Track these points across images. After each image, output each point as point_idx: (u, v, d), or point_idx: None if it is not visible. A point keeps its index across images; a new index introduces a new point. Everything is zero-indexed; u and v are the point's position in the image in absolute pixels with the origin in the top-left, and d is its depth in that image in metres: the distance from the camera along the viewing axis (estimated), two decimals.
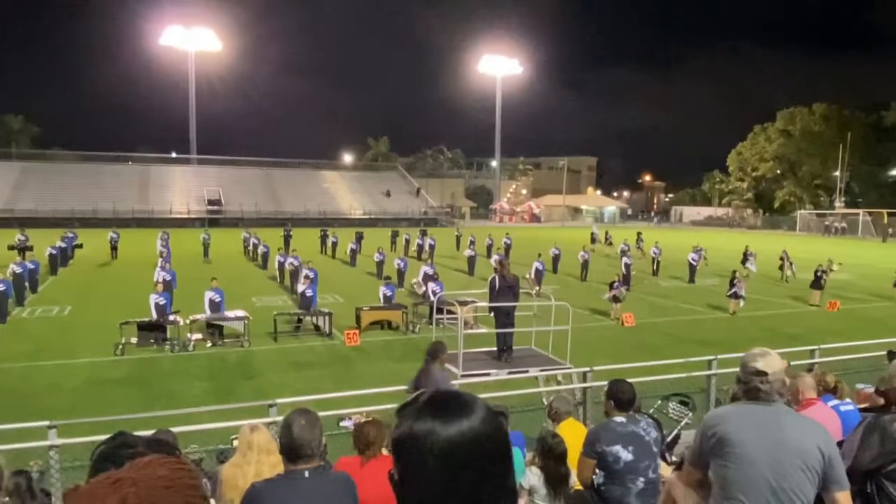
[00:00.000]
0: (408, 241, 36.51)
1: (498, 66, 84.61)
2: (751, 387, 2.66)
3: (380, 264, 26.31)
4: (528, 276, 22.71)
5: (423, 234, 37.67)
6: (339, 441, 5.80)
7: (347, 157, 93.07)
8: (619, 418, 4.28)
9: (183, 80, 76.77)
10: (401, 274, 24.26)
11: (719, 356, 9.35)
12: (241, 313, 16.22)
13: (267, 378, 13.22)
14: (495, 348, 10.25)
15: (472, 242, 31.28)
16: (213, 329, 15.83)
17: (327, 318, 16.89)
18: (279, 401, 6.05)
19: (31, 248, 27.14)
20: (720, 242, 45.95)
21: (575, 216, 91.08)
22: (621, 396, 4.36)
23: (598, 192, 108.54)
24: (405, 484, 1.17)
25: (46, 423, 5.31)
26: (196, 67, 75.54)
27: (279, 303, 20.77)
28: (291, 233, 37.50)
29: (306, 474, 2.59)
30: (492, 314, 10.46)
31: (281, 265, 25.18)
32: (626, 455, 4.11)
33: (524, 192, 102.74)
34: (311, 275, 18.16)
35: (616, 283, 19.99)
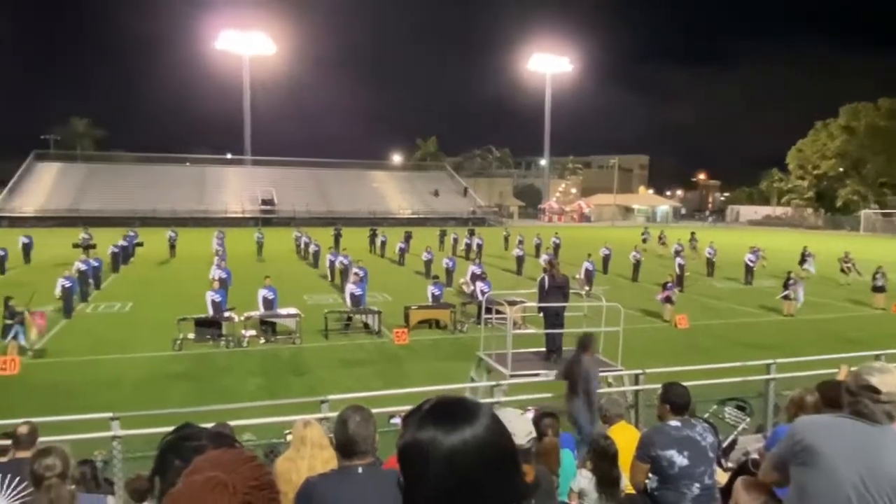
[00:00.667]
0: (456, 241, 36.56)
1: (547, 64, 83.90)
2: (858, 402, 2.46)
3: (428, 263, 26.43)
4: (577, 276, 22.45)
5: (472, 233, 37.64)
6: (387, 438, 5.85)
7: (396, 158, 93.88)
8: (674, 422, 4.18)
9: (238, 82, 78.96)
10: (449, 273, 24.31)
11: (778, 360, 9.04)
12: (293, 311, 16.54)
13: (318, 374, 13.44)
14: (544, 349, 10.16)
15: (520, 242, 31.10)
16: (267, 326, 16.19)
17: (376, 316, 17.06)
18: (331, 397, 6.14)
19: (94, 247, 28.28)
20: (779, 243, 44.41)
21: (626, 216, 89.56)
22: (676, 400, 4.25)
23: (650, 191, 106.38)
24: (410, 492, 1.16)
25: (109, 414, 5.52)
26: (250, 70, 77.57)
27: (330, 301, 21.09)
28: (341, 232, 38.04)
29: (360, 470, 2.61)
30: (541, 314, 10.37)
31: (332, 264, 25.57)
32: (680, 460, 4.01)
33: (574, 191, 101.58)
34: (361, 273, 18.38)
35: (669, 284, 19.56)
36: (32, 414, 6.39)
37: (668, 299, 19.14)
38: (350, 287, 17.64)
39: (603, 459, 4.58)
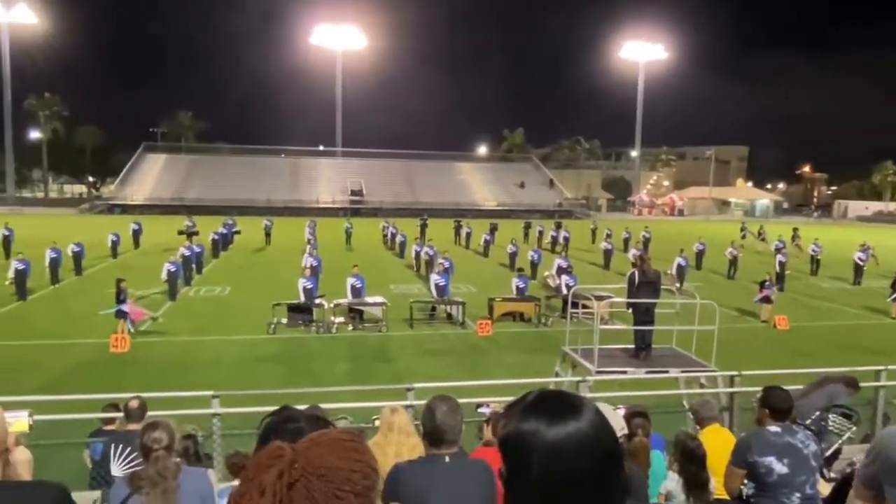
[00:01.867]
0: (541, 233, 36.16)
1: (641, 52, 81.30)
2: None
3: (513, 256, 26.30)
4: (669, 271, 21.68)
5: (558, 226, 37.10)
6: (472, 428, 5.87)
7: (482, 149, 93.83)
8: (774, 428, 3.96)
9: (331, 76, 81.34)
10: (534, 266, 24.09)
11: (889, 366, 8.38)
12: (379, 299, 16.90)
13: (402, 362, 13.69)
14: (633, 346, 9.89)
15: (608, 235, 30.38)
16: (354, 313, 16.64)
17: (460, 307, 17.17)
18: (416, 385, 6.23)
19: (197, 233, 29.95)
20: (892, 241, 41.17)
21: (722, 210, 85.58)
22: (778, 405, 4.03)
23: (750, 184, 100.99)
24: (510, 483, 1.15)
25: (210, 392, 5.84)
26: (342, 64, 79.67)
27: (415, 291, 21.39)
28: (427, 223, 38.45)
29: (447, 459, 2.63)
30: (630, 310, 10.08)
31: (417, 254, 25.93)
32: (780, 467, 3.79)
33: (666, 183, 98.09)
34: (446, 264, 18.52)
35: (768, 283, 18.56)
36: (140, 389, 6.87)
37: (766, 299, 18.16)
38: (435, 277, 17.82)
39: (690, 461, 4.41)
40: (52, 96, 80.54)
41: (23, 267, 18.73)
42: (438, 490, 2.55)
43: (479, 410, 5.66)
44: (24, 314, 17.49)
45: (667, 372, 9.16)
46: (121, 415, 6.34)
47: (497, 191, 72.91)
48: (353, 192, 67.92)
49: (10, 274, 18.69)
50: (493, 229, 34.46)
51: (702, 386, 8.95)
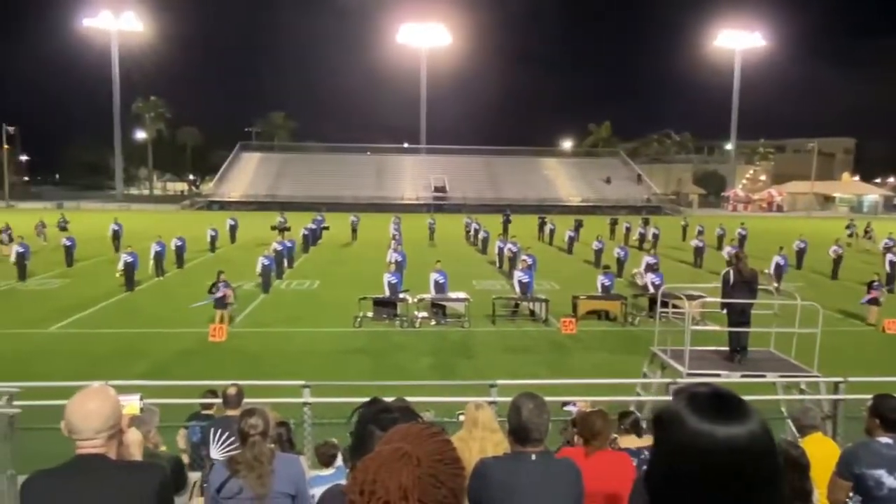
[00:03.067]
0: (628, 230, 35.20)
1: (737, 40, 77.52)
2: None
3: (598, 253, 25.75)
4: (767, 271, 20.59)
5: (646, 222, 36.03)
6: (557, 427, 5.80)
7: (567, 144, 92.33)
8: (885, 439, 3.69)
9: (415, 74, 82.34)
10: (620, 263, 23.50)
11: None
12: (462, 295, 16.98)
13: (485, 359, 13.70)
14: (727, 348, 9.45)
15: (699, 232, 29.19)
16: (438, 308, 16.81)
17: (544, 304, 16.99)
18: (499, 382, 6.21)
19: (289, 229, 31.17)
20: None
21: (825, 205, 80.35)
22: (890, 415, 3.74)
23: (856, 178, 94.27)
24: (658, 474, 1.15)
25: (301, 382, 6.05)
26: (427, 61, 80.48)
27: (497, 287, 21.35)
28: (510, 219, 38.28)
29: (533, 457, 2.61)
30: (724, 311, 9.64)
31: (500, 250, 25.84)
32: (891, 481, 3.53)
33: (763, 178, 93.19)
34: (530, 261, 18.37)
35: (876, 284, 17.30)
36: (236, 377, 7.20)
37: (874, 300, 16.93)
38: (518, 274, 17.72)
39: (794, 470, 4.16)
40: (157, 99, 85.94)
41: (131, 259, 20.12)
42: (524, 488, 2.54)
43: (565, 409, 5.58)
44: (132, 304, 18.76)
45: (764, 376, 8.70)
46: (218, 400, 6.69)
47: (582, 186, 71.59)
48: (437, 189, 68.55)
49: (120, 266, 20.11)
50: (578, 226, 33.86)
51: (802, 392, 8.46)
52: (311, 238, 31.99)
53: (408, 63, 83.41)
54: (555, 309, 17.16)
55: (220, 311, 15.59)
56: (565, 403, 5.64)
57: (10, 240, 26.13)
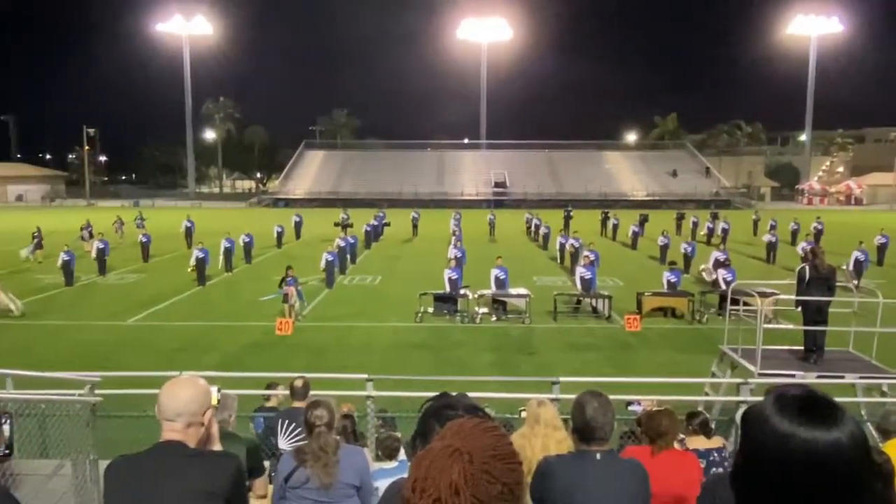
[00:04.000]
0: (696, 224, 34.14)
1: (812, 26, 73.92)
2: None
3: (664, 248, 25.08)
4: (845, 267, 19.58)
5: (714, 216, 34.87)
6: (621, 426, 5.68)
7: (631, 137, 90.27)
8: None
9: (476, 70, 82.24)
10: (687, 259, 22.81)
11: None
12: (523, 291, 16.86)
13: (546, 355, 13.57)
14: (802, 347, 9.05)
15: (772, 227, 28.02)
16: (498, 304, 16.75)
17: (607, 301, 16.68)
18: (562, 379, 6.12)
19: (351, 225, 31.65)
20: None
21: None
22: None
23: None
24: (746, 473, 1.12)
25: (364, 375, 6.14)
26: (487, 56, 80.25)
27: (559, 283, 21.11)
28: (572, 214, 37.75)
29: (598, 456, 2.56)
30: (799, 309, 9.22)
31: (562, 246, 25.53)
32: None
33: (840, 169, 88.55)
34: (592, 256, 18.07)
35: None
36: (301, 369, 7.38)
37: None
38: (580, 270, 17.45)
39: (876, 478, 3.94)
40: (226, 100, 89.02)
41: (202, 255, 20.90)
42: (589, 487, 2.49)
43: (630, 408, 5.46)
44: (203, 298, 19.49)
45: (842, 377, 8.28)
46: (275, 392, 6.88)
47: (647, 180, 69.87)
48: (497, 184, 68.30)
49: (192, 262, 20.92)
50: (643, 220, 33.06)
51: (883, 394, 8.00)
52: (373, 234, 32.45)
53: (468, 58, 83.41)
54: (618, 306, 16.82)
55: (287, 305, 16.03)
56: (630, 402, 5.51)
57: (91, 236, 27.58)
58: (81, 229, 30.25)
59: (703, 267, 20.65)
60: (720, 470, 4.40)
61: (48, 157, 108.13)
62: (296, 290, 16.14)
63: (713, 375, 9.27)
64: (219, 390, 2.43)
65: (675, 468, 3.66)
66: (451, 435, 1.15)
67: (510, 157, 74.49)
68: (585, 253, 18.82)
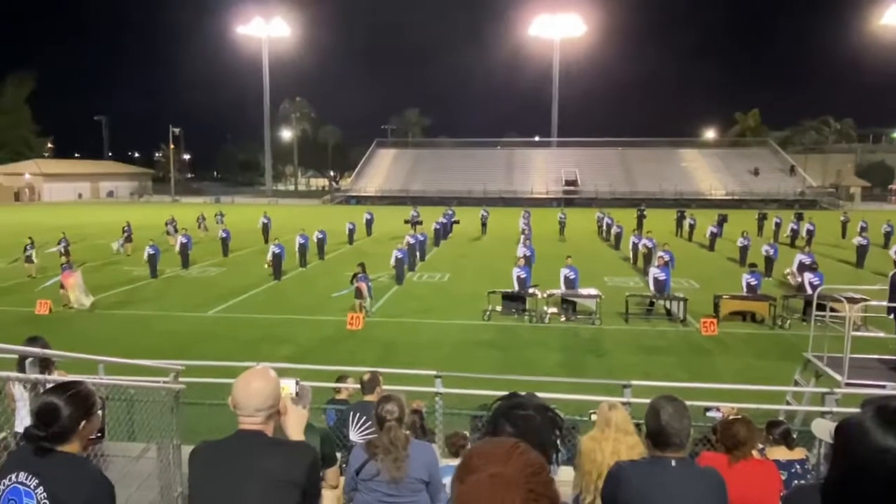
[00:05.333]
0: (778, 225, 32.57)
1: None
2: None
3: (744, 250, 24.07)
4: None
5: (799, 217, 33.24)
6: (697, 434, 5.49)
7: (710, 134, 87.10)
8: None
9: (548, 66, 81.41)
10: (769, 262, 21.81)
11: None
12: (593, 291, 16.57)
13: (617, 358, 13.28)
14: (893, 357, 8.50)
15: (862, 229, 26.40)
16: (567, 304, 16.52)
17: (682, 303, 16.17)
18: (634, 382, 5.98)
19: (421, 223, 32.03)
20: None
21: None
22: None
23: None
24: (834, 483, 1.08)
25: (433, 372, 6.19)
26: (560, 52, 79.30)
27: (630, 284, 20.63)
28: (645, 213, 36.80)
29: (673, 463, 2.48)
30: (892, 317, 8.67)
31: (635, 246, 24.92)
32: None
33: None
34: (667, 257, 17.55)
35: None
36: (370, 364, 7.51)
37: None
38: (654, 271, 16.99)
39: None
40: (302, 100, 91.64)
41: (278, 251, 21.59)
42: (663, 495, 2.41)
43: (708, 414, 5.26)
44: (279, 292, 20.13)
45: None
46: (345, 385, 7.02)
47: (726, 179, 67.20)
48: (568, 182, 67.36)
49: (269, 257, 21.65)
50: (722, 220, 31.85)
51: None
52: (442, 232, 32.64)
53: (540, 55, 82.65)
54: (694, 309, 16.28)
55: (359, 300, 16.35)
56: (708, 409, 5.31)
57: (175, 231, 28.97)
58: (166, 224, 31.86)
59: (787, 270, 19.71)
60: (803, 482, 4.19)
61: (137, 155, 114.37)
62: (366, 286, 16.43)
63: (796, 384, 8.83)
64: (297, 383, 2.51)
65: (752, 479, 3.51)
66: (486, 463, 1.15)
67: (581, 154, 73.29)
68: (660, 254, 18.29)
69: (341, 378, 7.23)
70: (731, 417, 4.13)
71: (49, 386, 2.60)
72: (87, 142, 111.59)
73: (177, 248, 24.35)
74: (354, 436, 4.96)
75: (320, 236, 26.25)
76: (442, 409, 5.87)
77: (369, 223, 35.06)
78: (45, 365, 4.81)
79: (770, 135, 79.64)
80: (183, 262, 23.85)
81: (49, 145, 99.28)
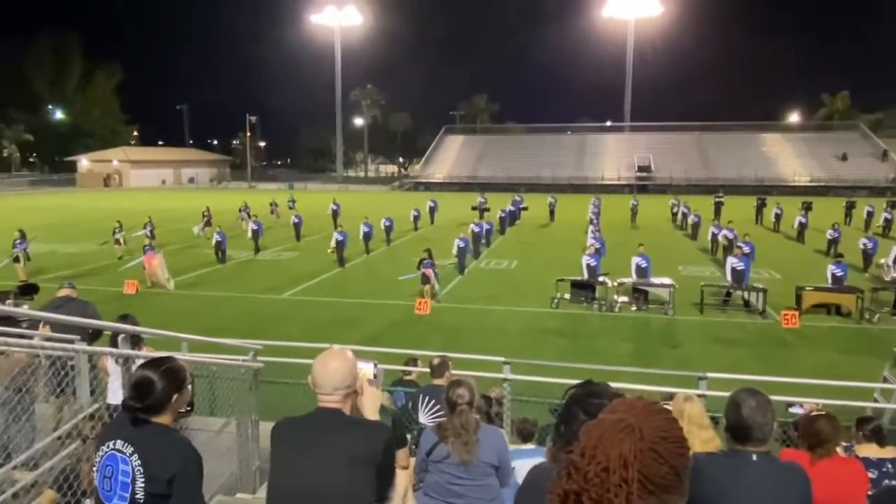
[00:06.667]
0: (870, 214, 30.52)
1: None
2: None
3: (833, 242, 22.74)
4: None
5: (892, 205, 31.17)
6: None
7: (794, 117, 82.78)
8: None
9: (621, 49, 79.17)
10: (867, 256, 20.02)
11: None
12: (666, 280, 16.14)
13: (690, 349, 12.92)
14: None
15: None
16: (639, 294, 16.15)
17: (761, 294, 15.53)
18: (710, 374, 5.80)
19: (488, 210, 31.89)
20: None
21: None
22: None
23: None
24: None
25: (502, 358, 6.19)
26: (634, 33, 77.00)
27: (706, 273, 19.96)
28: (723, 200, 35.39)
29: (754, 457, 2.40)
30: None
31: (714, 237, 23.80)
32: None
33: None
34: (747, 249, 16.85)
35: None
36: (438, 348, 7.58)
37: None
38: (732, 260, 16.35)
39: None
40: (372, 87, 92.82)
41: (341, 238, 21.72)
42: (743, 490, 2.33)
43: (791, 410, 5.05)
44: (347, 277, 20.56)
45: None
46: (415, 369, 7.13)
47: (811, 164, 63.72)
48: (641, 168, 65.59)
49: (332, 244, 21.84)
50: (808, 208, 29.97)
51: None
52: (509, 220, 32.39)
53: (613, 37, 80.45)
54: (773, 300, 15.60)
55: (425, 286, 16.50)
56: (791, 404, 5.10)
57: (249, 217, 29.94)
58: (240, 210, 32.95)
59: (882, 261, 18.53)
60: (894, 482, 3.97)
61: (215, 142, 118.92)
62: (433, 273, 16.53)
63: (885, 380, 8.35)
64: (375, 365, 2.57)
65: (836, 478, 3.35)
66: (623, 410, 1.16)
67: (655, 139, 71.09)
68: (739, 244, 17.55)
69: (409, 361, 7.35)
70: (814, 413, 3.95)
71: (143, 361, 2.76)
72: (169, 130, 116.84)
73: (248, 234, 25.05)
74: (424, 418, 5.03)
75: (387, 224, 26.47)
76: (510, 395, 5.87)
77: (433, 211, 34.89)
78: (136, 341, 5.10)
79: (860, 118, 74.91)
80: (255, 247, 24.50)
81: (135, 133, 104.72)
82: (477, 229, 23.99)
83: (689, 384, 5.92)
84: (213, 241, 22.59)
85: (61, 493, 3.70)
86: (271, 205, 36.56)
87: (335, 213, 31.93)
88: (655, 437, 1.09)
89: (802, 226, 27.48)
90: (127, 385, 2.88)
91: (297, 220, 28.22)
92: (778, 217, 31.16)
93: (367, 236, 24.05)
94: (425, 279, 16.43)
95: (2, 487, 4.03)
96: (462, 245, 20.28)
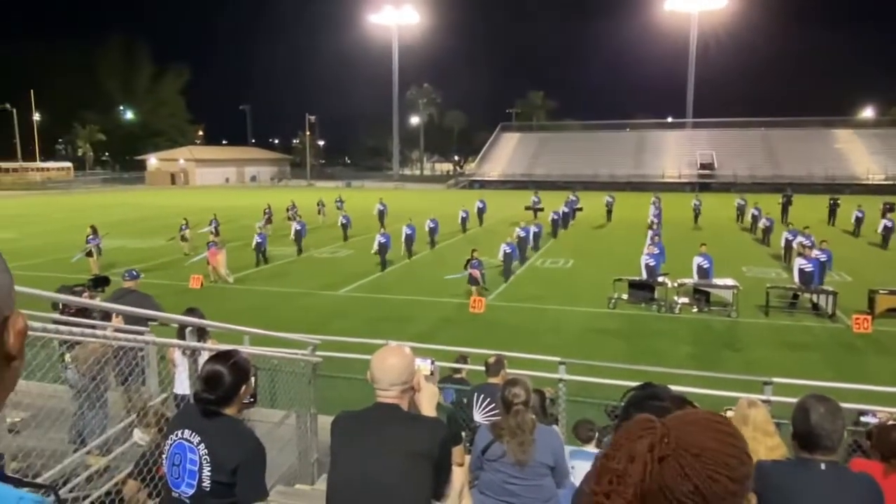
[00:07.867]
0: None
1: None
2: None
3: None
4: None
5: None
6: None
7: (868, 112, 78.83)
8: None
9: (684, 43, 77.10)
10: None
11: None
12: (730, 282, 15.66)
13: (755, 353, 12.50)
14: None
15: None
16: (700, 295, 15.72)
17: (831, 297, 14.87)
18: (776, 379, 5.60)
19: (542, 209, 31.36)
20: None
21: None
22: None
23: None
24: None
25: (557, 358, 6.13)
26: (698, 27, 74.89)
27: (772, 275, 19.25)
28: (791, 199, 33.96)
29: (822, 466, 2.31)
30: None
31: (788, 243, 21.32)
32: None
33: None
34: (823, 256, 16.12)
35: None
36: (492, 347, 7.57)
37: None
38: (800, 261, 15.71)
39: None
40: (429, 86, 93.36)
41: (384, 241, 21.10)
42: (811, 499, 2.25)
43: (862, 419, 4.83)
44: (402, 274, 20.71)
45: None
46: (465, 366, 7.13)
47: (887, 162, 60.45)
48: (703, 166, 63.68)
49: (375, 246, 21.16)
50: (890, 209, 28.17)
51: None
52: (562, 222, 30.55)
53: (675, 31, 78.35)
54: (844, 304, 14.91)
55: (474, 286, 16.35)
56: (863, 413, 4.87)
57: (294, 218, 29.79)
58: (287, 210, 32.98)
59: None
60: None
61: (276, 142, 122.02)
62: (479, 273, 16.38)
63: None
64: (433, 362, 2.60)
65: None
66: (670, 415, 1.10)
67: (719, 135, 68.92)
68: (815, 252, 16.47)
69: (460, 359, 7.37)
70: (889, 423, 3.76)
71: (211, 355, 2.87)
72: (233, 129, 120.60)
73: (291, 235, 24.43)
74: (479, 417, 5.04)
75: (432, 225, 25.23)
76: (566, 396, 5.82)
77: (481, 212, 33.31)
78: (201, 334, 5.30)
79: None
80: (297, 248, 23.92)
81: (200, 133, 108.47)
82: (523, 234, 22.24)
83: (754, 389, 5.73)
84: (253, 243, 22.08)
85: (143, 482, 3.84)
86: (318, 204, 36.37)
87: (381, 214, 30.86)
88: (686, 450, 1.01)
89: (888, 230, 25.25)
90: (196, 378, 2.99)
91: (344, 220, 27.88)
92: (859, 220, 28.46)
93: (409, 239, 22.79)
94: (473, 280, 16.31)
95: (77, 471, 4.24)
96: (509, 251, 19.18)
